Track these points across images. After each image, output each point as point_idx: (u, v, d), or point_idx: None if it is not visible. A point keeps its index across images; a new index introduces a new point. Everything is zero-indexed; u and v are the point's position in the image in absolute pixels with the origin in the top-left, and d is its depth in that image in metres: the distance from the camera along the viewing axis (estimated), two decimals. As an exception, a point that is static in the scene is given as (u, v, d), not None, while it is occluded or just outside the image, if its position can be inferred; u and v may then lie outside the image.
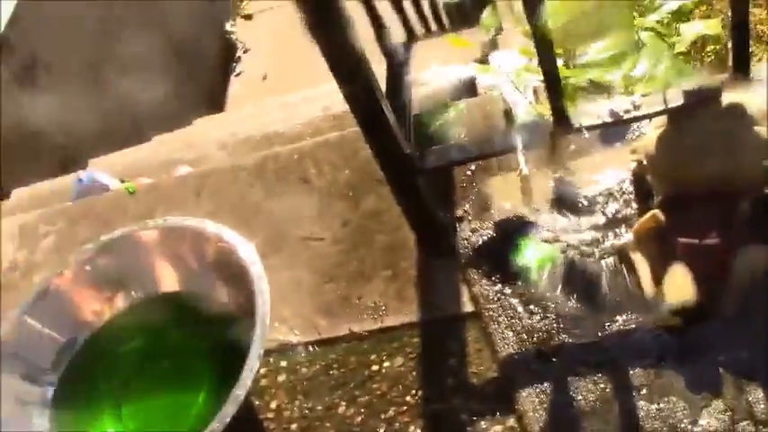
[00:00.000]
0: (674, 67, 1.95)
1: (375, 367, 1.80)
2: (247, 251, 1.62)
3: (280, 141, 2.68)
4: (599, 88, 1.99)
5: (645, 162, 1.71)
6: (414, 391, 1.73)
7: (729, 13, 1.51)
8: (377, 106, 1.57)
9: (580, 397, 1.57)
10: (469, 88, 2.47)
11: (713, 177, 1.58)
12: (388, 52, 1.91)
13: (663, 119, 1.68)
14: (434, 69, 2.98)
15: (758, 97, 1.79)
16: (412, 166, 1.72)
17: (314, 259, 2.03)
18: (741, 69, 1.57)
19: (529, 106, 2.12)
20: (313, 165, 2.25)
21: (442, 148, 1.78)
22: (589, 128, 1.69)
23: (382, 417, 1.72)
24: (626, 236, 1.74)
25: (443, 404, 1.69)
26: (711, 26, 2.16)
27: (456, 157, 1.74)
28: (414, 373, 1.75)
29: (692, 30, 2.14)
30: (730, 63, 1.58)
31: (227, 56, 4.94)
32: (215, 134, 3.06)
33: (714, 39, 2.53)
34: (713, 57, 2.57)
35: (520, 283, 1.77)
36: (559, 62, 2.11)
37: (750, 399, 1.47)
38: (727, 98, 1.64)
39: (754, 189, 1.66)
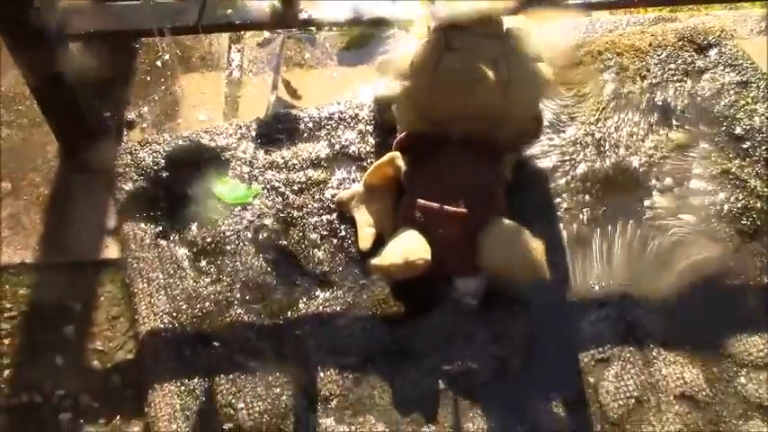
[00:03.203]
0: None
1: (-53, 326, 1.16)
2: None
3: None
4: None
5: (394, 83, 1.23)
6: (-1, 370, 1.12)
7: None
8: None
9: (242, 404, 1.06)
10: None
11: (476, 114, 1.14)
12: None
13: (423, 30, 1.21)
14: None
15: (549, 31, 1.39)
16: (42, 28, 1.09)
17: None
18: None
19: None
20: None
21: (101, 9, 1.17)
22: (320, 23, 1.17)
23: (-64, 405, 1.09)
24: (354, 185, 1.25)
25: (40, 396, 1.10)
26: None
27: (114, 25, 1.12)
28: (6, 342, 1.14)
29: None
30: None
31: None
32: None
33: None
34: None
35: (192, 228, 1.22)
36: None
37: (472, 427, 1.05)
38: (511, 21, 1.21)
39: (520, 140, 1.25)
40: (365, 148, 1.30)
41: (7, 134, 1.35)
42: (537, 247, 1.06)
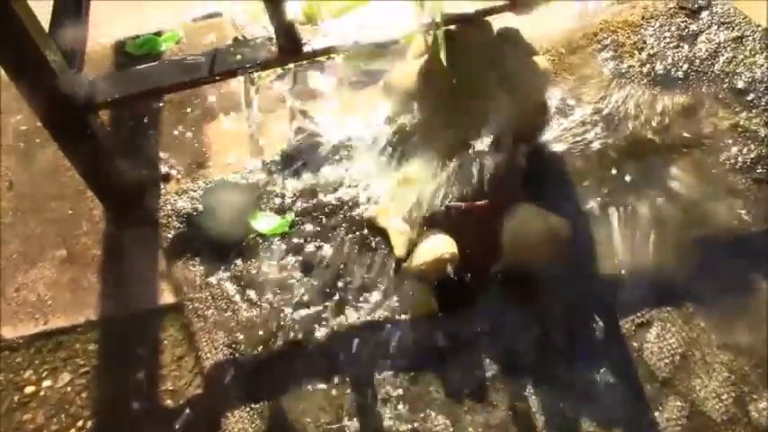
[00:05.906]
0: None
1: (30, 389, 1.25)
2: None
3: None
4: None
5: (399, 100, 1.29)
6: (81, 422, 1.20)
7: None
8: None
9: (309, 418, 1.13)
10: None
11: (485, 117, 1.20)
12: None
13: (420, 48, 1.28)
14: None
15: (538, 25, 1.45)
16: (72, 102, 1.18)
17: (-43, 236, 1.44)
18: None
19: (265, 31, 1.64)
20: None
21: (123, 75, 1.26)
22: (324, 52, 1.24)
23: (33, 461, 1.18)
24: (381, 200, 1.32)
25: (122, 438, 1.18)
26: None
27: (138, 88, 1.21)
28: (84, 396, 1.22)
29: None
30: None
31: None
32: None
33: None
34: None
35: (237, 264, 1.29)
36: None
37: (526, 405, 1.10)
38: (501, 23, 1.27)
39: (531, 131, 1.30)
40: (385, 164, 1.36)
41: (55, 206, 1.45)
42: (561, 224, 1.12)
